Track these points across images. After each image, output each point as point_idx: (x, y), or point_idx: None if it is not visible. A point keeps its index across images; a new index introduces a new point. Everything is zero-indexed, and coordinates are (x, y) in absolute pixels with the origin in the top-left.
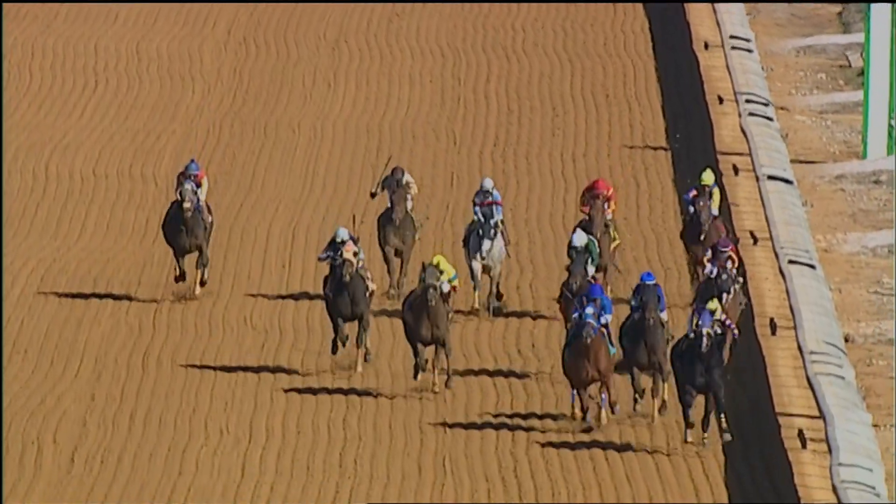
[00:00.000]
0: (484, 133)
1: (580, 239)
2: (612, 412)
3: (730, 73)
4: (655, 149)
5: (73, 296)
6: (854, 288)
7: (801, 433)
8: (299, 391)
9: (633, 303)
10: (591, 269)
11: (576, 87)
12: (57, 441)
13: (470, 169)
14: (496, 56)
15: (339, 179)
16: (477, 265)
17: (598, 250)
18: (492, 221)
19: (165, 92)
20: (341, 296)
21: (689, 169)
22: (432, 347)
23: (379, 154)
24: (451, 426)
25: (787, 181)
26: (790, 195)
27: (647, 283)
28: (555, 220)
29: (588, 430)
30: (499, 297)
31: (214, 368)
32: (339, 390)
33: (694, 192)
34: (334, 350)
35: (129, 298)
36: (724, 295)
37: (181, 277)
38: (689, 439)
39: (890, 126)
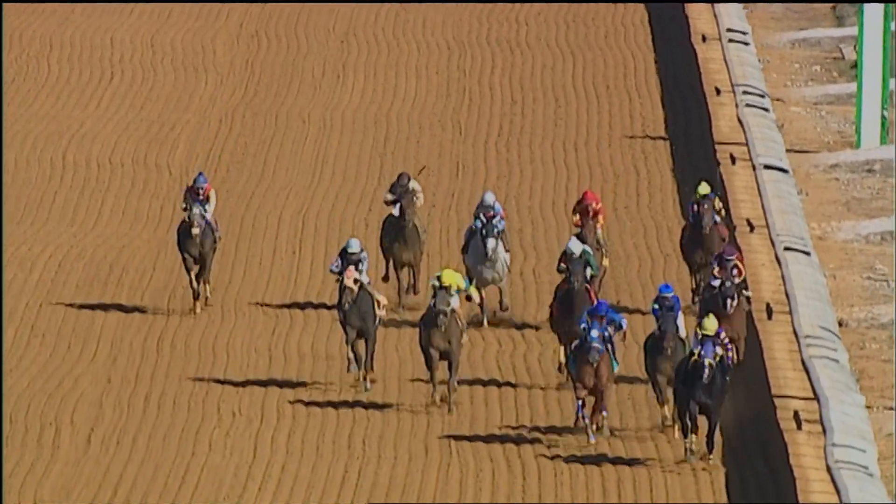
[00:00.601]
0: (488, 123)
1: (576, 247)
2: (603, 417)
3: (727, 66)
4: (654, 138)
5: (90, 281)
6: (848, 274)
7: (796, 415)
8: (310, 374)
9: (654, 308)
10: (587, 277)
11: (577, 79)
12: (74, 422)
13: (475, 158)
14: (500, 49)
15: (347, 168)
16: (482, 278)
17: (594, 260)
18: (493, 221)
19: (179, 83)
20: (350, 312)
21: (688, 158)
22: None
23: (386, 144)
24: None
25: (782, 170)
26: (786, 184)
27: (666, 294)
28: (557, 207)
29: (587, 444)
30: (502, 308)
31: (227, 352)
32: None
33: (695, 207)
34: (349, 368)
35: (144, 284)
36: (729, 301)
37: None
38: (690, 448)
39: (882, 117)
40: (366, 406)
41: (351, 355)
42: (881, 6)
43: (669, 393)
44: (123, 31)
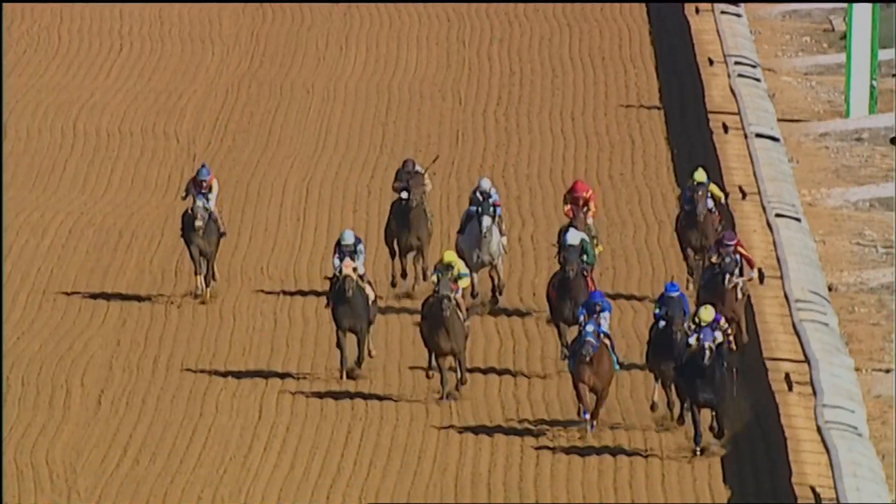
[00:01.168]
0: (487, 93)
1: (574, 237)
2: (591, 427)
3: (719, 37)
4: (649, 108)
5: (100, 247)
6: (837, 240)
7: (787, 376)
8: (314, 338)
9: (656, 311)
10: (584, 266)
11: (574, 50)
12: (84, 384)
13: (474, 127)
14: (499, 20)
15: (350, 137)
16: (476, 262)
17: (592, 249)
18: (490, 200)
19: (186, 54)
20: (342, 306)
21: (682, 127)
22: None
23: (388, 113)
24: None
25: (773, 139)
26: (777, 152)
27: (672, 294)
28: (554, 175)
29: (585, 437)
30: (499, 291)
31: (233, 315)
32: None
33: (690, 193)
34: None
35: (153, 249)
36: (728, 276)
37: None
38: (698, 451)
39: (871, 86)
40: (368, 370)
41: (340, 351)
42: None
43: (671, 389)
44: (132, 3)
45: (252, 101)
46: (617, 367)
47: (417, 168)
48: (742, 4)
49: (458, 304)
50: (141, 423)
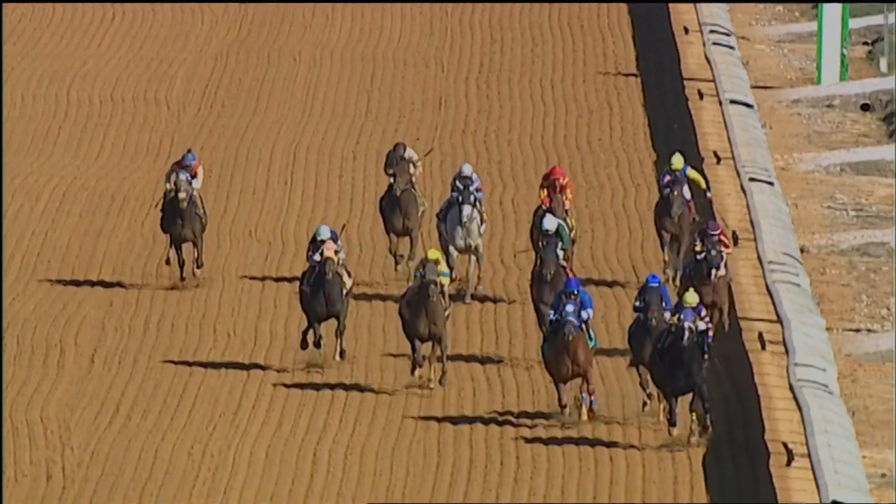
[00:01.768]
0: (469, 61)
1: (551, 223)
2: (592, 408)
3: (694, 6)
4: (626, 75)
5: (93, 210)
6: (809, 203)
7: (760, 336)
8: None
9: (637, 303)
10: (559, 254)
11: (553, 19)
12: (78, 343)
13: (456, 94)
14: None
15: (336, 103)
16: (457, 244)
17: (567, 235)
18: (471, 188)
19: (177, 23)
20: (318, 294)
21: (658, 94)
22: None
23: (373, 80)
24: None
25: (747, 105)
26: (751, 118)
27: (652, 285)
28: (534, 140)
29: (568, 426)
30: (477, 277)
31: (222, 277)
32: None
33: (668, 178)
34: (303, 345)
35: (144, 213)
36: (713, 271)
37: (171, 263)
38: (675, 434)
39: (842, 54)
40: (354, 327)
41: (314, 335)
42: None
43: (651, 383)
44: None
45: (240, 69)
46: (593, 342)
47: (408, 152)
48: None
49: (442, 291)
50: (132, 382)
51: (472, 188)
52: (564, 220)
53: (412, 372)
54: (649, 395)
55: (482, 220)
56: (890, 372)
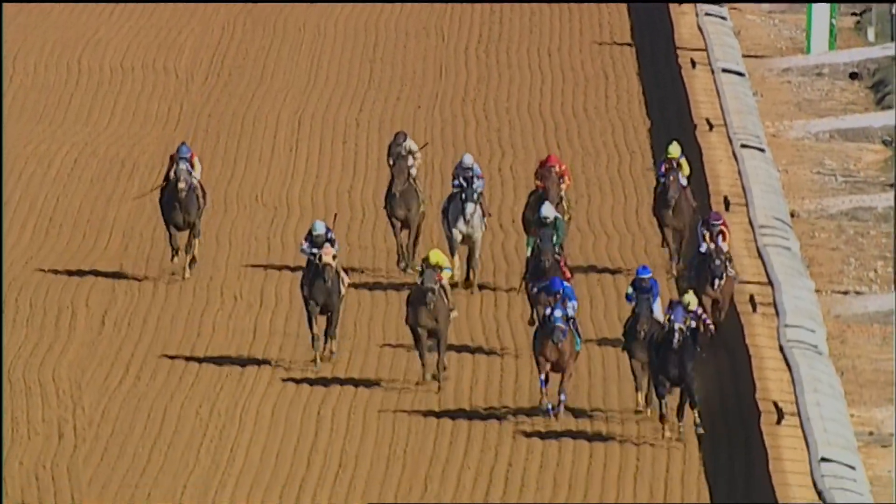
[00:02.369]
0: (469, 30)
1: (549, 211)
2: (560, 402)
3: None
4: (621, 45)
5: (103, 176)
6: (799, 169)
7: (751, 298)
8: (306, 260)
9: (628, 293)
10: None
11: None
12: (89, 306)
13: (457, 62)
14: None
15: (340, 71)
16: (457, 234)
17: (563, 226)
18: (474, 185)
19: None
20: (316, 290)
21: (652, 63)
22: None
23: (375, 50)
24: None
25: (739, 74)
26: (742, 86)
27: (644, 277)
28: (532, 108)
29: (545, 414)
30: (472, 268)
31: (229, 240)
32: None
33: (665, 166)
34: (314, 344)
35: (153, 179)
36: (717, 280)
37: (175, 255)
38: (666, 433)
39: (831, 24)
40: (357, 287)
41: (314, 332)
42: None
43: (644, 380)
44: None
45: (247, 38)
46: (579, 344)
47: (408, 143)
48: None
49: (444, 291)
50: (142, 343)
51: (474, 185)
52: (559, 204)
53: (424, 377)
54: (646, 397)
55: (484, 214)
56: (877, 333)
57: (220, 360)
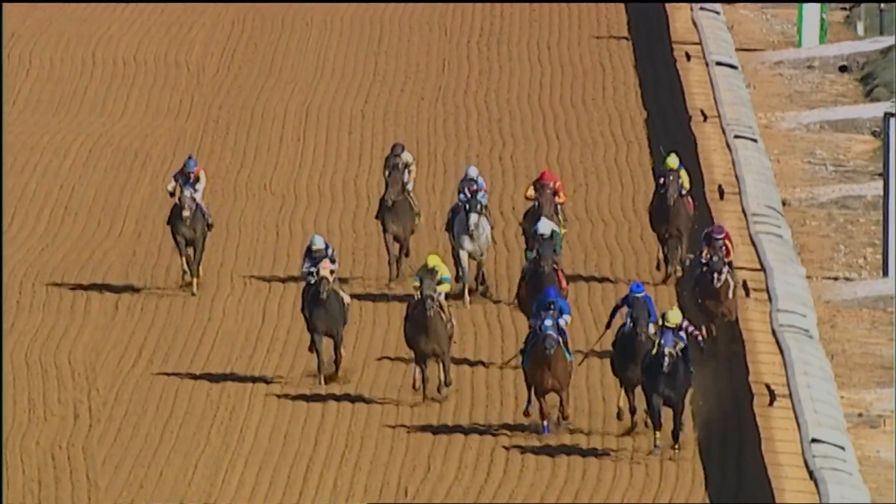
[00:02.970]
0: (470, 25)
1: (545, 227)
2: (563, 420)
3: None
4: (618, 38)
5: (117, 166)
6: (790, 159)
7: (745, 284)
8: None
9: (617, 303)
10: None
11: None
12: (103, 291)
13: (459, 56)
14: None
15: (346, 64)
16: (464, 255)
17: (560, 239)
18: (478, 195)
19: None
20: (318, 312)
21: (648, 55)
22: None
23: (380, 43)
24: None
25: (732, 66)
26: (735, 79)
27: (637, 294)
28: (532, 99)
29: (538, 433)
30: (482, 284)
31: (239, 228)
32: (349, 240)
33: (661, 179)
34: (312, 349)
35: (166, 168)
36: (715, 275)
37: (187, 272)
38: (656, 453)
39: (821, 18)
40: (362, 269)
41: (319, 355)
42: None
43: (634, 395)
44: None
45: (256, 33)
46: (570, 356)
47: (405, 155)
48: None
49: (441, 306)
50: (154, 326)
51: (478, 196)
52: (554, 217)
53: (414, 386)
54: (632, 410)
55: (490, 225)
56: (866, 317)
57: (230, 344)
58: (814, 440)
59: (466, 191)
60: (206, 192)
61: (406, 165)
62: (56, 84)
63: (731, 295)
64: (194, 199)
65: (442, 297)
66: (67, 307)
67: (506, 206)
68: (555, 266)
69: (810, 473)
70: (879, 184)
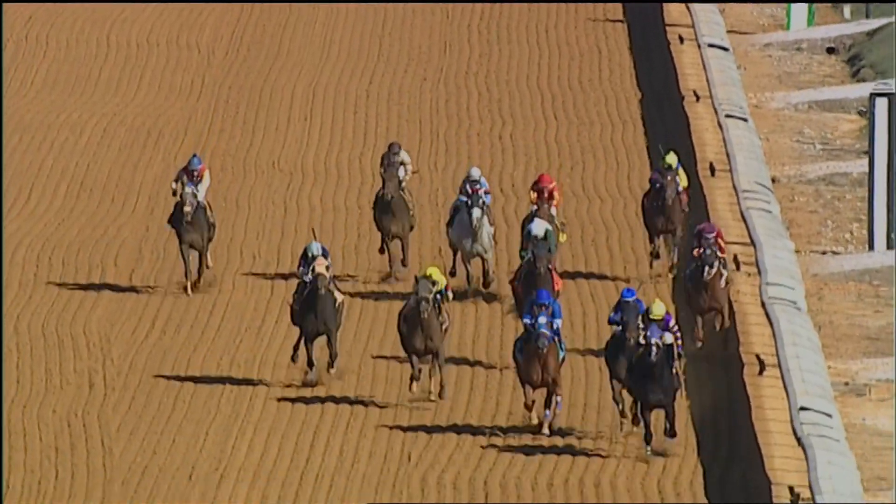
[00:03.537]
0: (472, 8)
1: (539, 228)
2: (554, 414)
3: None
4: (614, 21)
5: (131, 144)
6: (780, 137)
7: (735, 258)
8: (320, 223)
9: (611, 315)
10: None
11: None
12: (117, 265)
13: (460, 38)
14: None
15: (351, 46)
16: (461, 252)
17: (555, 240)
18: (480, 191)
19: None
20: (310, 311)
21: (642, 38)
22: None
23: (384, 26)
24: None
25: (724, 48)
26: (727, 60)
27: (628, 299)
28: (530, 80)
29: (535, 429)
30: (487, 284)
31: (248, 204)
32: (355, 216)
33: (658, 174)
34: (294, 358)
35: (178, 146)
36: (707, 268)
37: (187, 274)
38: (650, 451)
39: (809, 2)
40: (366, 253)
41: (307, 354)
42: None
43: (626, 398)
44: None
45: (264, 16)
46: (562, 353)
47: (402, 154)
48: None
49: (438, 307)
50: (167, 299)
51: (480, 192)
52: (552, 222)
53: (410, 388)
54: (622, 413)
55: (490, 223)
56: (853, 290)
57: (239, 315)
58: (802, 408)
59: (469, 190)
60: (209, 191)
61: (402, 163)
62: (72, 65)
63: (722, 287)
64: (195, 195)
65: (449, 294)
66: (83, 279)
67: (505, 184)
68: (549, 267)
69: (798, 440)
70: (865, 161)
